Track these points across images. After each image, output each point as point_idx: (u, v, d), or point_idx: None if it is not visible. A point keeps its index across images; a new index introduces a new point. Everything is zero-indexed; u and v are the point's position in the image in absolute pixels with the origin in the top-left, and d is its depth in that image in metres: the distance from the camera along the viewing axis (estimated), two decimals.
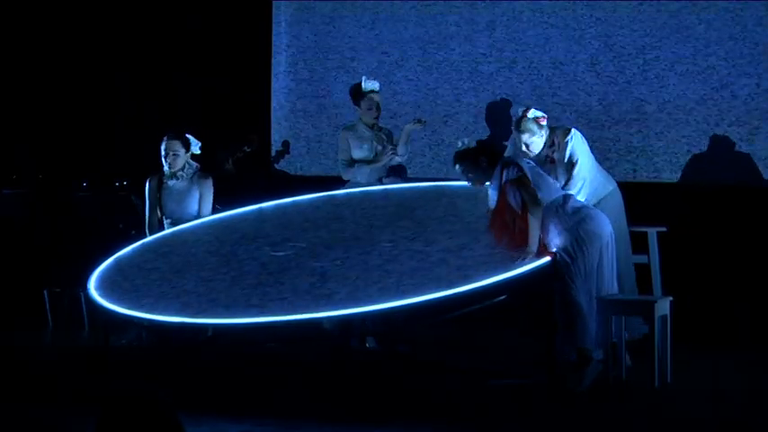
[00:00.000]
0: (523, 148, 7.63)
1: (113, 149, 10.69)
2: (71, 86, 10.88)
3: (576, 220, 7.14)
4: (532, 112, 7.59)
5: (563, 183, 7.53)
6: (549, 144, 7.62)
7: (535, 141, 7.60)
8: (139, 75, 10.77)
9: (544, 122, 7.60)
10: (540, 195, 7.11)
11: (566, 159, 7.59)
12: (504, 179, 7.14)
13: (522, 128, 7.59)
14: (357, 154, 8.77)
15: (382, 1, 10.16)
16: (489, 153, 7.33)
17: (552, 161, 7.63)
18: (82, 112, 10.87)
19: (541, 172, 7.31)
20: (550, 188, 7.23)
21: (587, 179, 7.62)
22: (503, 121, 9.57)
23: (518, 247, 7.10)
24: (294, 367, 7.78)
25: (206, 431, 6.19)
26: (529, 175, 7.13)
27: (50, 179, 10.78)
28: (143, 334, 8.24)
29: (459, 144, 7.39)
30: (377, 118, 8.86)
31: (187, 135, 8.48)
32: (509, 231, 7.22)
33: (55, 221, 10.34)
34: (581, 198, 7.50)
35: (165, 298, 7.36)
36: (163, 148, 8.45)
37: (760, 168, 9.02)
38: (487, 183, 7.40)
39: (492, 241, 7.29)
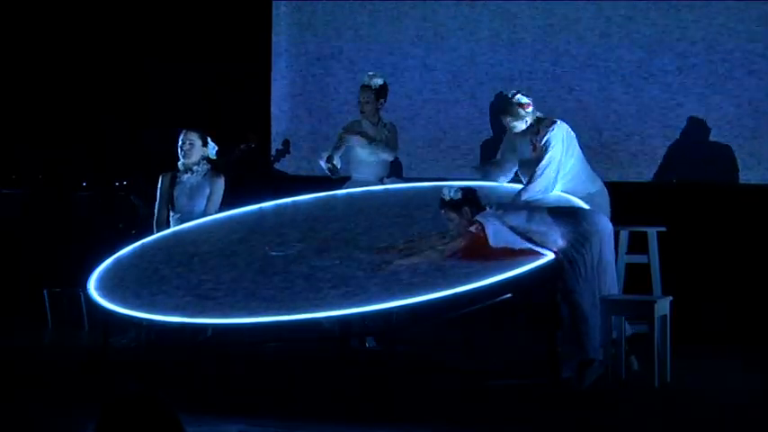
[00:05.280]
0: (507, 126, 7.95)
1: (113, 149, 10.69)
2: (71, 86, 10.87)
3: (570, 222, 7.16)
4: (518, 98, 7.85)
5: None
6: (536, 132, 7.79)
7: (516, 125, 7.87)
8: (139, 75, 10.77)
9: (529, 109, 7.85)
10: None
11: (541, 144, 7.76)
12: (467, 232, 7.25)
13: (507, 109, 7.89)
14: (359, 151, 8.82)
15: (382, 1, 10.15)
16: (474, 204, 7.35)
17: (535, 148, 7.82)
18: (82, 112, 10.86)
19: (503, 226, 7.29)
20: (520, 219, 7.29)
21: (562, 174, 7.70)
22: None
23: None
24: (294, 367, 7.78)
25: (206, 431, 6.19)
26: (491, 237, 7.16)
27: (50, 179, 10.77)
28: (142, 334, 8.24)
29: (446, 193, 7.40)
30: (362, 112, 8.86)
31: (207, 136, 8.60)
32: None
33: (55, 221, 10.33)
34: (555, 192, 7.64)
35: (165, 298, 7.36)
36: (180, 138, 8.59)
37: (760, 168, 9.01)
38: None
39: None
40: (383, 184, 8.80)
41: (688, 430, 6.45)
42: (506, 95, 7.91)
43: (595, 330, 7.08)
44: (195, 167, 8.58)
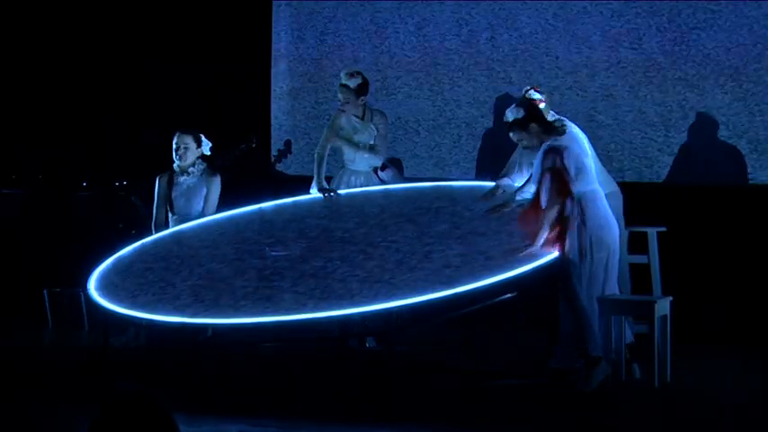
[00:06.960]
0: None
1: (113, 149, 10.69)
2: (71, 86, 10.88)
3: (591, 224, 7.12)
4: (530, 93, 7.68)
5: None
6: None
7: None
8: (139, 75, 10.77)
9: (542, 105, 7.66)
10: (575, 184, 7.16)
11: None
12: (543, 167, 7.19)
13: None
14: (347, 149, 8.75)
15: (382, 1, 10.15)
16: (540, 120, 7.36)
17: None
18: (82, 112, 10.86)
19: (584, 161, 7.28)
20: (587, 178, 7.22)
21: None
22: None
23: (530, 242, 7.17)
24: (294, 367, 7.79)
25: (206, 431, 6.19)
26: (569, 165, 7.13)
27: (50, 179, 10.77)
28: (142, 333, 8.24)
29: (509, 115, 7.42)
30: (342, 110, 8.74)
31: (200, 134, 8.60)
32: (533, 224, 7.22)
33: (55, 221, 10.33)
34: None
35: (165, 298, 7.37)
36: (174, 142, 8.58)
37: (760, 168, 9.01)
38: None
39: (517, 227, 7.29)
40: (376, 173, 8.74)
41: (688, 430, 6.45)
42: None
43: (598, 334, 7.07)
44: (191, 169, 8.59)
